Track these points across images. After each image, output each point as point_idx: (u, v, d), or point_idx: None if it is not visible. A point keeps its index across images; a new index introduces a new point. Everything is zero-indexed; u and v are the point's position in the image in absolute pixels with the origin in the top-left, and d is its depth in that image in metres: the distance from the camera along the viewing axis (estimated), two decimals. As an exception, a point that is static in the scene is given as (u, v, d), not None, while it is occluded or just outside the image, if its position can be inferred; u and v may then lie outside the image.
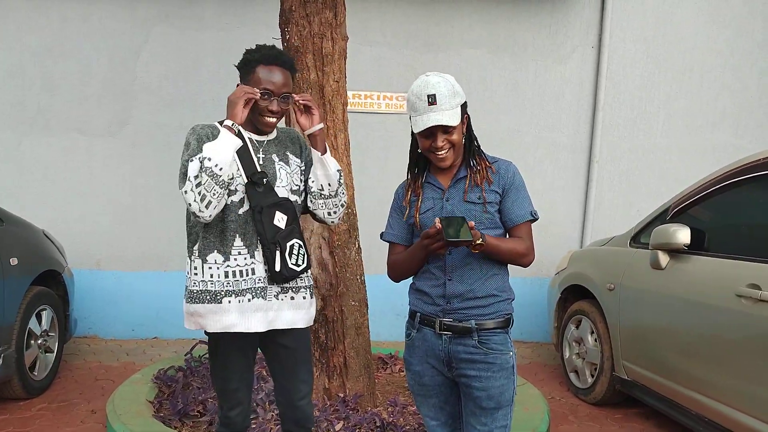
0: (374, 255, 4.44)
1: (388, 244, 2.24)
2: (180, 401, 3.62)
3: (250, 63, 2.19)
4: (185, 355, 4.46)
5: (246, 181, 2.19)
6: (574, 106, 5.93)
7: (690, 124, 6.01)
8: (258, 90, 2.14)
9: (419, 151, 2.11)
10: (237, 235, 2.20)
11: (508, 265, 2.11)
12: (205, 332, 2.28)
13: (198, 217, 2.08)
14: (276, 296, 2.26)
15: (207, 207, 2.06)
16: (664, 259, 3.64)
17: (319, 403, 3.52)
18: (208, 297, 2.19)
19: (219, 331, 2.21)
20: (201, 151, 2.08)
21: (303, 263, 2.27)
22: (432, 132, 1.99)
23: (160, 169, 5.62)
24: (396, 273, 2.21)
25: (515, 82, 5.86)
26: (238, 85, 2.18)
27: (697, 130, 6.02)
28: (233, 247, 2.20)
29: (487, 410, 2.04)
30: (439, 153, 2.02)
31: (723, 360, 3.15)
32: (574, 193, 6.01)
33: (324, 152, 2.28)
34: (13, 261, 3.92)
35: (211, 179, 2.04)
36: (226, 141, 2.08)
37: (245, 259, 2.21)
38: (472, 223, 1.91)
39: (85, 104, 5.56)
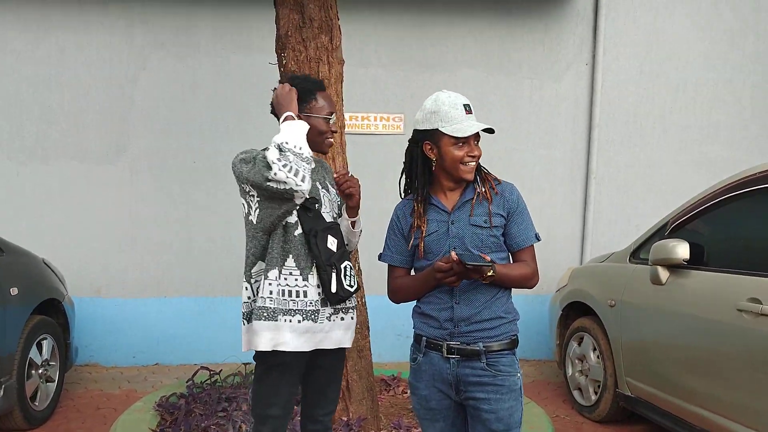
0: (374, 275, 4.43)
1: (386, 265, 2.25)
2: (183, 429, 3.60)
3: (312, 91, 2.40)
4: (187, 381, 4.43)
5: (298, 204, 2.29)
6: (569, 123, 5.97)
7: (685, 138, 6.05)
8: (323, 112, 2.40)
9: (433, 167, 2.11)
10: (290, 255, 2.30)
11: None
12: (255, 356, 2.36)
13: (296, 192, 2.16)
14: (328, 318, 2.35)
15: (303, 180, 2.16)
16: (664, 274, 3.63)
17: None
18: (265, 314, 2.25)
19: (271, 349, 2.25)
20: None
21: (355, 284, 2.38)
22: (467, 141, 2.05)
23: (159, 194, 5.63)
24: (399, 297, 2.21)
25: (511, 101, 5.90)
26: (274, 89, 2.38)
27: (692, 144, 6.06)
28: (284, 267, 2.29)
29: (496, 433, 2.03)
30: (472, 163, 2.07)
31: (725, 374, 3.14)
32: (573, 210, 6.03)
33: (354, 216, 2.46)
34: (14, 291, 3.91)
35: (296, 157, 2.16)
36: (296, 125, 2.23)
37: (296, 280, 2.30)
38: (487, 257, 1.95)
39: (83, 132, 5.57)
